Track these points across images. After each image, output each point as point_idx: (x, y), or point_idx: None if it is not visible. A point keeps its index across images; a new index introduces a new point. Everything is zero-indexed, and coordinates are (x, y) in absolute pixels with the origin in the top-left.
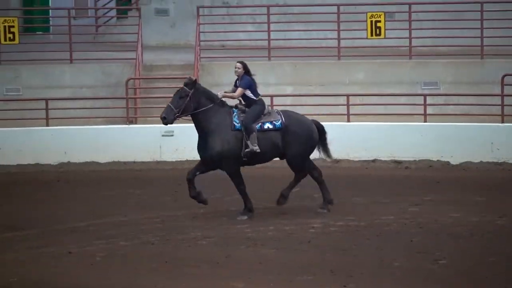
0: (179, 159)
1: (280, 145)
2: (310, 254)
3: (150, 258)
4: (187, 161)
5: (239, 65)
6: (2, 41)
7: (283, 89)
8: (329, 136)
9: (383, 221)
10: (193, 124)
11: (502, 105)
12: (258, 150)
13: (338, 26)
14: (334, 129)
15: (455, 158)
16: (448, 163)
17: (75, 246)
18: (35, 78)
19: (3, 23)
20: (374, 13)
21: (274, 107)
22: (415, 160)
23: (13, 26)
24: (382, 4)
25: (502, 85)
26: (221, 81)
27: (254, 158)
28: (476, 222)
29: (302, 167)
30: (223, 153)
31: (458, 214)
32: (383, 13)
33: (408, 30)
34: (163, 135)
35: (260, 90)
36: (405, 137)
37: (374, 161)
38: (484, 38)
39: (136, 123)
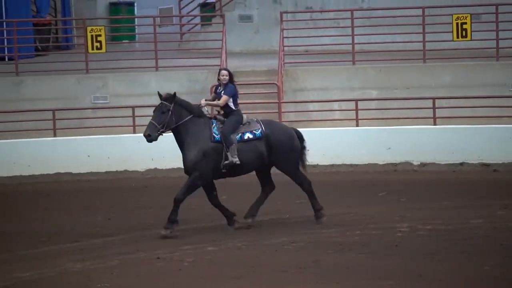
0: None
1: (264, 154)
2: (397, 258)
3: (236, 263)
4: None
5: (225, 72)
6: (90, 50)
7: (368, 93)
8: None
9: (472, 225)
10: None
11: None
12: (238, 162)
13: (423, 29)
14: (420, 133)
15: None
16: None
17: (163, 252)
18: (122, 86)
19: (90, 32)
20: (459, 15)
21: (251, 116)
22: (503, 163)
23: (100, 35)
24: (468, 6)
25: None
26: (305, 86)
27: (236, 170)
28: None
29: (295, 171)
30: (197, 164)
31: None
32: (469, 15)
33: (495, 32)
34: None
35: (345, 94)
36: (493, 139)
37: (461, 164)
38: None
39: None
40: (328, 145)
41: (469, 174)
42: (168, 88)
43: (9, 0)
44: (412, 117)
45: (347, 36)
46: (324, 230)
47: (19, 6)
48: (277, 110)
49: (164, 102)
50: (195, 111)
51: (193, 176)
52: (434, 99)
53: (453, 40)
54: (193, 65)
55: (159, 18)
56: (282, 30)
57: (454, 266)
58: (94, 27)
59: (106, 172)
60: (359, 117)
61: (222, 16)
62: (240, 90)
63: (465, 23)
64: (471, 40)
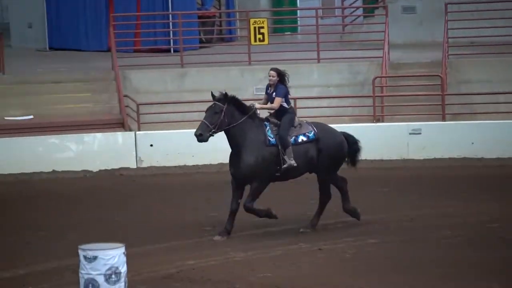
0: (427, 157)
1: (315, 158)
2: None
3: (397, 257)
4: (434, 159)
5: (273, 73)
6: (252, 42)
7: None
8: None
9: None
10: (441, 122)
11: None
12: (295, 164)
13: None
14: None
15: None
16: None
17: (325, 243)
18: None
19: (253, 24)
20: None
21: (302, 119)
22: None
23: (262, 27)
24: None
25: None
26: (469, 78)
27: (288, 173)
28: None
29: (332, 177)
30: (257, 169)
31: None
32: None
33: None
34: (410, 133)
35: (503, 87)
36: None
37: None
38: None
39: (383, 121)
40: (494, 137)
41: None
42: (329, 80)
43: None
44: None
45: None
46: (487, 225)
47: None
48: (440, 103)
49: (217, 103)
50: (248, 113)
51: (255, 184)
52: None
53: None
54: (355, 57)
55: (321, 10)
56: (446, 21)
57: None
58: (257, 19)
59: None
60: None
61: (385, 8)
62: (403, 82)
63: None
64: None
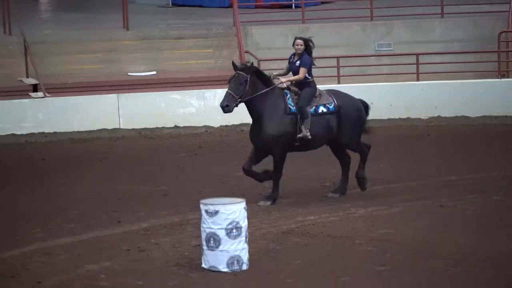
0: None
1: (334, 129)
2: None
3: None
4: None
5: (300, 41)
6: None
7: None
8: None
9: None
10: None
11: None
12: (310, 137)
13: None
14: None
15: None
16: None
17: (447, 200)
18: (406, 33)
19: None
20: None
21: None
22: None
23: None
24: None
25: None
26: None
27: (308, 144)
28: None
29: (357, 143)
30: (278, 137)
31: None
32: None
33: None
34: None
35: None
36: None
37: None
38: None
39: (508, 77)
40: None
41: None
42: (453, 35)
43: None
44: None
45: None
46: None
47: None
48: None
49: (241, 72)
50: (270, 83)
51: (277, 152)
52: None
53: None
54: (480, 11)
55: None
56: None
57: None
58: None
59: (389, 119)
60: None
61: None
62: None
63: None
64: None
